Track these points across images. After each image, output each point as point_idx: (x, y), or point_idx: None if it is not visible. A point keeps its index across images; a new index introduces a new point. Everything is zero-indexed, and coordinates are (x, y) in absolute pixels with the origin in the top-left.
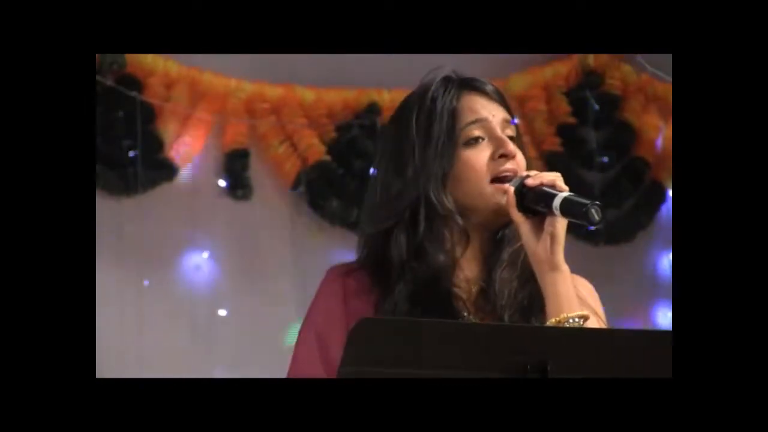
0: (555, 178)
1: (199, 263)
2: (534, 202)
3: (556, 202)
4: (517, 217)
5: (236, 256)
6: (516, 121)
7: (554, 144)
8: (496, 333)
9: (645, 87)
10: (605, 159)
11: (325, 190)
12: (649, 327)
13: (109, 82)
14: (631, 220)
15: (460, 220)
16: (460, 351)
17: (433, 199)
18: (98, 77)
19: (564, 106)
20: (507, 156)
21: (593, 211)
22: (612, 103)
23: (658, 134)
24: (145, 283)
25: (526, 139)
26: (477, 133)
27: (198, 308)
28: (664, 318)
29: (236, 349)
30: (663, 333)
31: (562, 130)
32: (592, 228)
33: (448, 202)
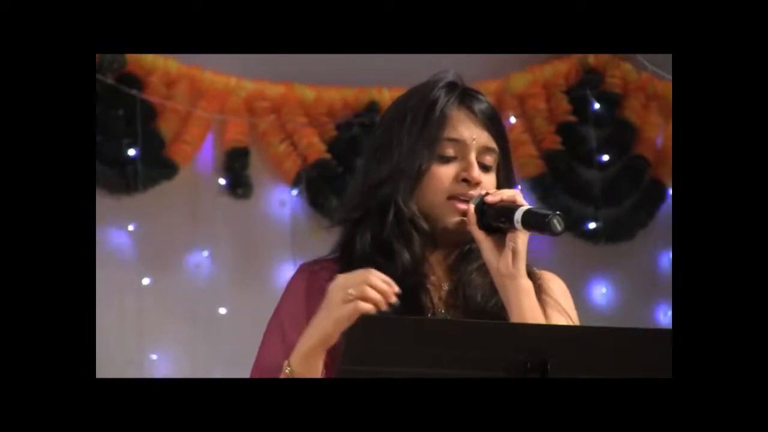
0: (515, 194)
1: (199, 262)
2: (494, 219)
3: (518, 216)
4: (478, 234)
5: (236, 254)
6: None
7: (554, 142)
8: (496, 332)
9: (645, 85)
10: (605, 157)
11: (325, 189)
12: (649, 327)
13: (110, 80)
14: (631, 218)
15: (425, 224)
16: (460, 349)
17: (401, 199)
18: (98, 76)
19: (564, 105)
20: (468, 181)
21: (555, 221)
22: (612, 101)
23: (659, 133)
24: (145, 281)
25: (525, 137)
26: (450, 151)
27: (198, 307)
28: (664, 317)
29: (236, 348)
30: (663, 333)
31: (563, 129)
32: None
33: (412, 206)
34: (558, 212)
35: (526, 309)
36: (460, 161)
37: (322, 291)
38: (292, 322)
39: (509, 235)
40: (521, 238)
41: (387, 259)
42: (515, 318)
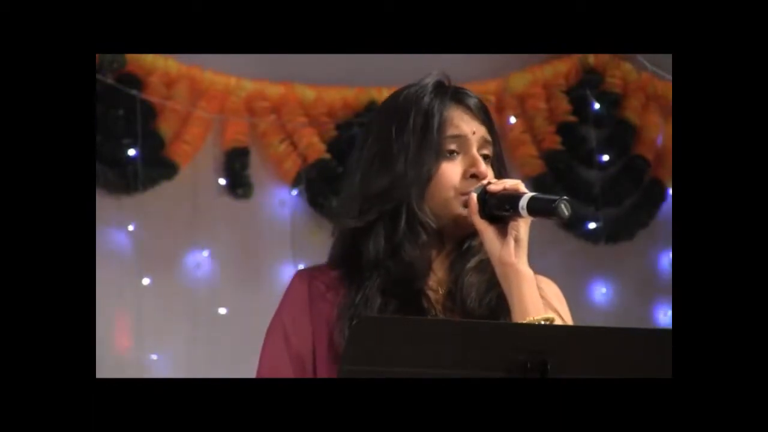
0: (517, 183)
1: (199, 262)
2: (497, 208)
3: (523, 202)
4: (480, 223)
5: (236, 254)
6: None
7: (554, 142)
8: (496, 332)
9: (645, 85)
10: (605, 157)
11: (325, 189)
12: (649, 327)
13: (110, 80)
14: (631, 218)
15: (434, 223)
16: (460, 350)
17: (414, 202)
18: (98, 75)
19: (564, 105)
20: (477, 177)
21: (562, 205)
22: (612, 101)
23: (659, 133)
24: (145, 281)
25: (525, 137)
26: (453, 146)
27: (198, 307)
28: (664, 317)
29: (236, 348)
30: (663, 332)
31: (563, 129)
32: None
33: (425, 207)
34: (565, 197)
35: (527, 296)
36: (464, 156)
37: (323, 296)
38: (294, 327)
39: (512, 224)
40: (523, 227)
41: (397, 262)
42: (516, 306)
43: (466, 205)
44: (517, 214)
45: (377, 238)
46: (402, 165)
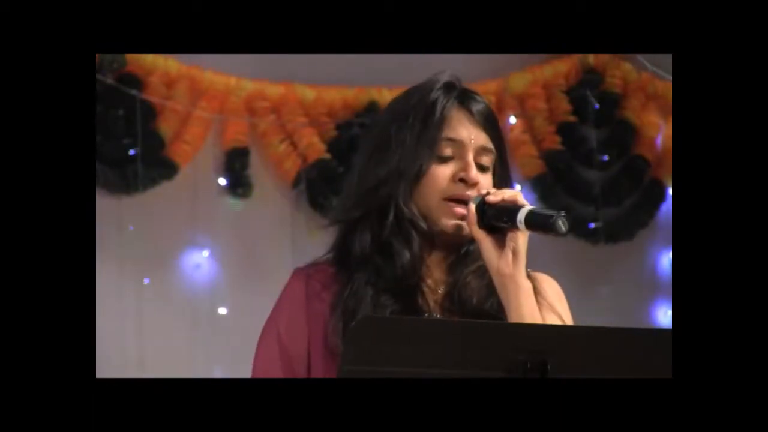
0: (516, 194)
1: (199, 262)
2: (495, 219)
3: (521, 216)
4: (478, 234)
5: (236, 254)
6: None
7: (554, 142)
8: (496, 332)
9: (645, 85)
10: (605, 157)
11: (325, 189)
12: (649, 327)
13: (110, 80)
14: (631, 218)
15: (424, 224)
16: (460, 350)
17: (401, 199)
18: (98, 75)
19: (564, 105)
20: (466, 181)
21: (560, 222)
22: (612, 101)
23: (658, 133)
24: (146, 281)
25: (525, 137)
26: (448, 151)
27: (198, 307)
28: (664, 317)
29: (236, 348)
30: (663, 333)
31: (563, 129)
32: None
33: (412, 207)
34: (563, 212)
35: (525, 309)
36: (458, 161)
37: (318, 295)
38: (289, 328)
39: (510, 235)
40: (521, 238)
41: (386, 259)
42: (514, 318)
43: (457, 216)
44: (514, 227)
45: (363, 233)
46: (396, 160)
